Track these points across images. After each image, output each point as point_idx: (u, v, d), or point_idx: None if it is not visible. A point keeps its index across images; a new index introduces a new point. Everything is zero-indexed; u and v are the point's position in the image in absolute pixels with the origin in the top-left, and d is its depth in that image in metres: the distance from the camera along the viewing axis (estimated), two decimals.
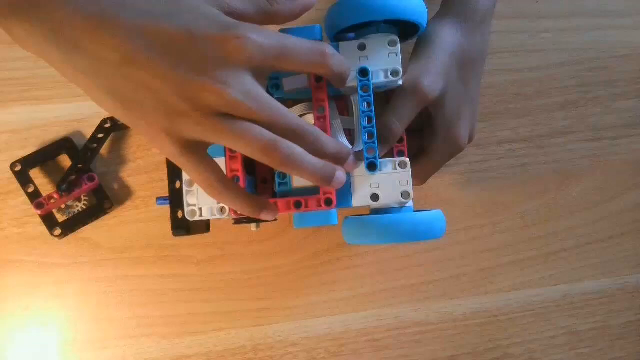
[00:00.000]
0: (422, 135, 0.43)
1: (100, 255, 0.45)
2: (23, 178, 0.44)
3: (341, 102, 0.41)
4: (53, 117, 0.46)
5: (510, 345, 0.47)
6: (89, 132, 0.46)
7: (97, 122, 0.45)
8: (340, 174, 0.34)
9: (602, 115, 0.51)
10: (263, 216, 0.35)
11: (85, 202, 0.45)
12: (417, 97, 0.38)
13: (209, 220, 0.40)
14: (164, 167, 0.46)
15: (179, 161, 0.32)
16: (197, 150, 0.31)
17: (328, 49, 0.33)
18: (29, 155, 0.45)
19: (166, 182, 0.46)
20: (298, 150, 0.31)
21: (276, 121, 0.31)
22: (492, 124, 0.49)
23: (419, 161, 0.42)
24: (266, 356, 0.45)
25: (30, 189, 0.44)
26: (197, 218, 0.37)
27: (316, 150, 0.32)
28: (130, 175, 0.46)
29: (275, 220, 0.36)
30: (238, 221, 0.39)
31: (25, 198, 0.44)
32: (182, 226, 0.39)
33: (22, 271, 0.44)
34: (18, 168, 0.44)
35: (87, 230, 0.45)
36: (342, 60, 0.34)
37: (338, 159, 0.34)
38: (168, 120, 0.30)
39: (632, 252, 0.49)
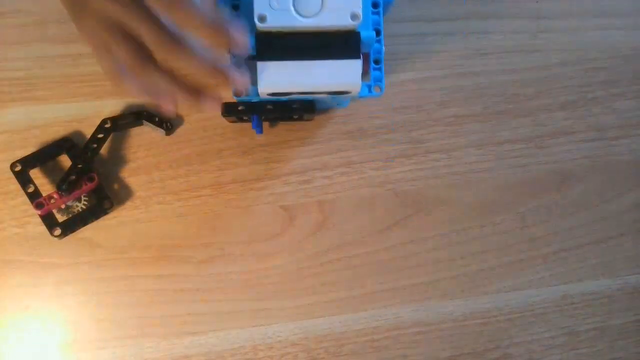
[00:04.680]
0: None
1: (100, 255, 0.45)
2: (23, 178, 0.44)
3: None
4: (53, 117, 0.46)
5: (510, 346, 0.47)
6: (89, 132, 0.46)
7: (97, 122, 0.45)
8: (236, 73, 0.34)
9: (602, 116, 0.51)
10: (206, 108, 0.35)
11: (85, 202, 0.45)
12: None
13: None
14: (164, 166, 0.46)
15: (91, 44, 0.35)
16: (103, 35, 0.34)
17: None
18: (29, 155, 0.45)
19: (165, 182, 0.47)
20: (185, 48, 0.33)
21: None
22: (492, 124, 0.49)
23: None
24: (266, 356, 0.45)
25: (30, 189, 0.44)
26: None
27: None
28: (130, 175, 0.46)
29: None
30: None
31: (25, 198, 0.44)
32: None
33: (22, 271, 0.44)
34: (18, 168, 0.44)
35: (87, 230, 0.45)
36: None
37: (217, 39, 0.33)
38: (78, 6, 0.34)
39: (631, 253, 0.49)
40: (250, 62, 0.37)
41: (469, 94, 0.50)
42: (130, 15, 0.32)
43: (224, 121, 0.47)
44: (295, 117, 0.44)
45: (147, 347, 0.44)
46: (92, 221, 0.45)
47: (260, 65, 0.36)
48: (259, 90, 0.37)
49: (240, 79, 0.35)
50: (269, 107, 0.40)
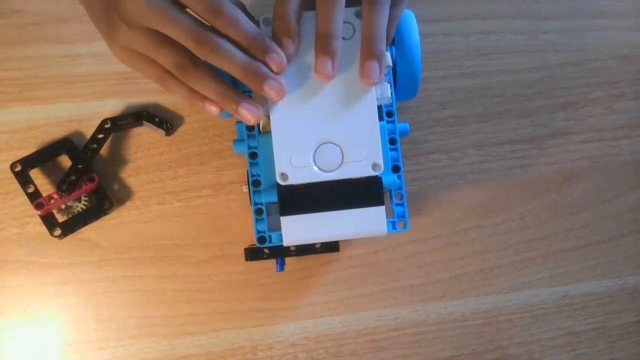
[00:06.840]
0: None
1: (100, 255, 0.45)
2: (23, 178, 0.44)
3: None
4: (53, 117, 0.46)
5: (509, 346, 0.47)
6: (89, 132, 0.46)
7: (97, 122, 0.45)
8: (272, 82, 0.33)
9: (602, 116, 0.51)
10: (243, 112, 0.34)
11: (85, 203, 0.45)
12: None
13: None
14: (164, 167, 0.46)
15: (127, 64, 0.37)
16: (138, 54, 0.35)
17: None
18: (29, 155, 0.45)
19: (165, 182, 0.47)
20: (227, 44, 0.33)
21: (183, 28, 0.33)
22: (492, 124, 0.49)
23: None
24: (266, 356, 0.45)
25: (30, 189, 0.44)
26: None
27: (233, 30, 0.33)
28: (130, 175, 0.46)
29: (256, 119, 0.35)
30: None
31: (25, 198, 0.44)
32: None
33: (22, 271, 0.44)
34: (18, 168, 0.44)
35: (87, 231, 0.45)
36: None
37: (255, 46, 0.34)
38: (110, 30, 0.35)
39: (631, 253, 0.49)
40: (274, 206, 0.37)
41: (469, 94, 0.50)
42: (171, 20, 0.32)
43: (223, 122, 0.47)
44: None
45: (147, 347, 0.44)
46: (92, 221, 0.45)
47: (283, 220, 0.36)
48: (284, 243, 0.36)
49: (255, 110, 0.34)
50: (292, 249, 0.40)
